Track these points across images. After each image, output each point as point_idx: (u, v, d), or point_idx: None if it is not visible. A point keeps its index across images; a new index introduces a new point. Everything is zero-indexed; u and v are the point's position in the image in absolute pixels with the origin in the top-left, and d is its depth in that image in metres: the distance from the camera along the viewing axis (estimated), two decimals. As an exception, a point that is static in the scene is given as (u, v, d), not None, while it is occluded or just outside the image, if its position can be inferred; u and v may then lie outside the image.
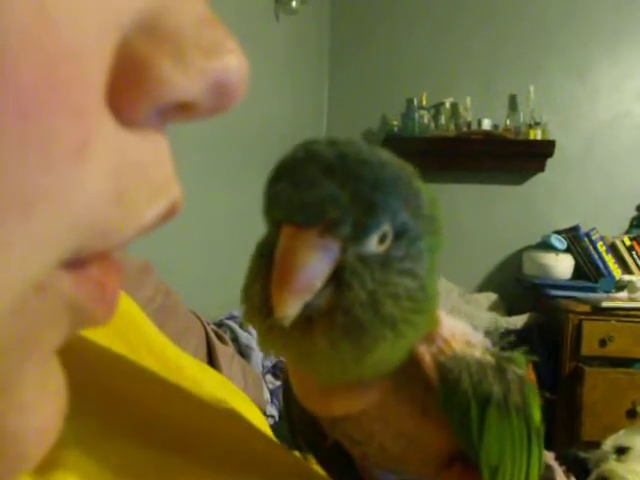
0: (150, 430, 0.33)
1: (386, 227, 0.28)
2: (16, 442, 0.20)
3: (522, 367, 0.36)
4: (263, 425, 0.50)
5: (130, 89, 0.18)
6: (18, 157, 0.15)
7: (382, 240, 0.29)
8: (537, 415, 0.37)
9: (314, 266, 0.27)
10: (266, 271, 0.29)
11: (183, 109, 0.19)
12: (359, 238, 0.28)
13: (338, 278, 0.28)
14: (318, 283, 0.28)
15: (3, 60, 0.15)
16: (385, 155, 0.29)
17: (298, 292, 0.27)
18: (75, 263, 0.18)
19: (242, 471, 0.35)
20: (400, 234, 0.29)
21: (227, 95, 0.20)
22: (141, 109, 0.18)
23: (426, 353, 0.34)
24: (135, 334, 0.43)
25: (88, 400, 0.32)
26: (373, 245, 0.29)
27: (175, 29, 0.18)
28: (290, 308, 0.27)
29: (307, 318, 0.29)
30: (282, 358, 0.35)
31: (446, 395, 0.33)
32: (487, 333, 0.37)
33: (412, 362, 0.34)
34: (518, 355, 0.37)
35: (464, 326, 0.37)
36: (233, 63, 0.20)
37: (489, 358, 0.35)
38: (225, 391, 0.49)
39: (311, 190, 0.27)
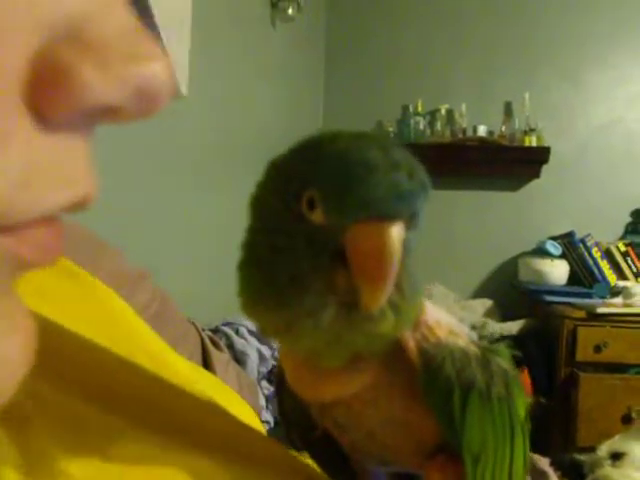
0: (147, 421, 0.34)
1: None
2: None
3: (506, 360, 0.37)
4: (257, 426, 0.51)
5: (52, 92, 0.19)
6: None
7: None
8: (521, 408, 0.38)
9: (399, 256, 0.29)
10: (327, 267, 0.30)
11: (107, 112, 0.21)
12: (415, 228, 0.31)
13: None
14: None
15: None
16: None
17: (392, 282, 0.29)
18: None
19: (234, 462, 0.35)
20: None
21: (150, 100, 0.21)
22: (61, 111, 0.19)
23: (410, 339, 0.35)
24: (131, 338, 0.43)
25: (86, 394, 0.33)
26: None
27: (99, 36, 0.19)
28: (383, 300, 0.29)
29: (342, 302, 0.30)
30: (294, 350, 0.35)
31: (428, 380, 0.34)
32: (474, 327, 0.38)
33: (400, 347, 0.34)
34: (502, 348, 0.38)
35: (449, 317, 0.38)
36: (155, 69, 0.20)
37: (473, 348, 0.36)
38: (220, 393, 0.50)
39: (400, 186, 0.29)
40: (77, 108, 0.19)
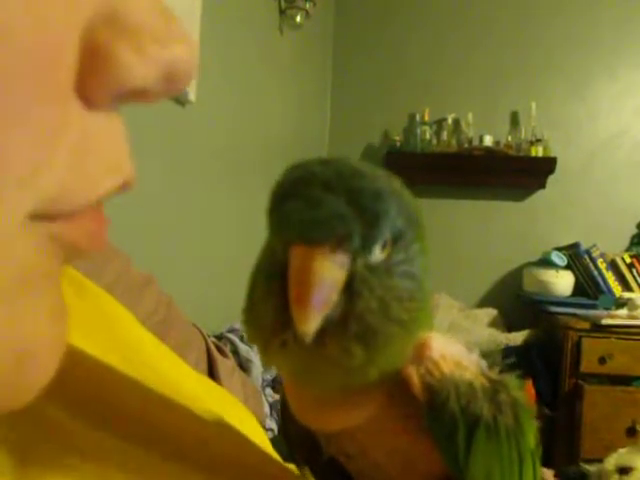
0: (148, 442, 0.34)
1: (387, 235, 0.30)
2: (33, 358, 0.22)
3: (516, 390, 0.36)
4: (262, 437, 0.51)
5: (95, 75, 0.19)
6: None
7: (384, 247, 0.30)
8: (531, 438, 0.37)
9: (330, 280, 0.29)
10: (278, 290, 0.30)
11: (138, 94, 0.21)
12: (366, 248, 0.29)
13: (349, 288, 0.30)
14: (335, 296, 0.29)
15: (5, 59, 0.16)
16: (374, 169, 0.31)
17: (319, 307, 0.28)
18: (55, 214, 0.20)
19: None
20: (397, 239, 0.31)
21: (176, 81, 0.21)
22: (104, 93, 0.20)
23: (414, 374, 0.34)
24: (133, 350, 0.43)
25: (88, 411, 0.32)
26: (377, 253, 0.30)
27: (133, 19, 0.20)
28: (313, 323, 0.28)
29: (318, 330, 0.29)
30: (281, 374, 0.35)
31: (432, 416, 0.34)
32: (484, 354, 0.38)
33: (405, 380, 0.34)
34: (511, 378, 0.37)
35: (457, 347, 0.37)
36: (183, 51, 0.21)
37: (481, 380, 0.35)
38: (225, 404, 0.49)
39: (320, 208, 0.28)
40: (116, 90, 0.20)
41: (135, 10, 0.20)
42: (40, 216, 0.19)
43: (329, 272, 0.28)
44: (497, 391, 0.35)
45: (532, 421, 0.37)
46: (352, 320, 0.30)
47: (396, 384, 0.34)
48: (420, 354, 0.34)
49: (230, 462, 0.37)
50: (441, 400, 0.34)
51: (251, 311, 0.32)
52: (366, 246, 0.29)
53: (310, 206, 0.28)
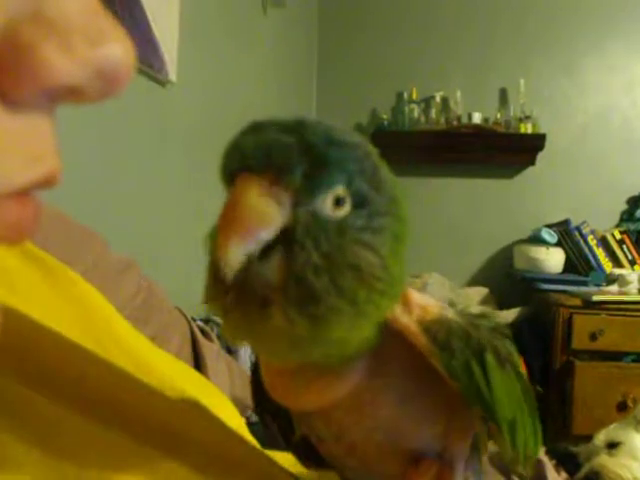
0: (111, 420, 0.33)
1: (340, 189, 0.28)
2: None
3: (494, 318, 0.37)
4: (239, 423, 0.50)
5: (14, 71, 0.19)
6: None
7: (338, 204, 0.28)
8: (519, 360, 0.37)
9: (259, 211, 0.26)
10: None
11: (70, 93, 0.21)
12: (310, 192, 0.27)
13: (290, 240, 0.27)
14: (265, 233, 0.26)
15: None
16: (351, 132, 0.29)
17: (242, 235, 0.26)
18: None
19: (222, 475, 0.35)
20: (359, 204, 0.29)
21: (112, 81, 0.21)
22: (25, 90, 0.19)
23: (410, 323, 0.33)
24: (106, 334, 0.43)
25: (51, 386, 0.32)
26: (328, 206, 0.28)
27: (61, 16, 0.19)
28: (235, 255, 0.26)
29: (264, 298, 0.27)
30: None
31: (444, 356, 0.33)
32: (452, 304, 0.37)
33: (386, 346, 0.33)
34: (488, 310, 0.38)
35: (430, 299, 0.36)
36: (117, 51, 0.21)
37: (464, 318, 0.35)
38: (202, 391, 0.49)
39: (262, 136, 0.27)
40: (40, 88, 0.20)
41: (64, 9, 0.20)
42: None
43: (259, 202, 0.26)
44: (479, 326, 0.35)
45: (518, 355, 0.38)
46: (292, 279, 0.27)
47: (376, 356, 0.33)
48: (407, 303, 0.34)
49: (196, 442, 0.36)
50: (444, 338, 0.33)
51: (208, 278, 0.31)
52: (310, 189, 0.27)
53: (255, 136, 0.27)
